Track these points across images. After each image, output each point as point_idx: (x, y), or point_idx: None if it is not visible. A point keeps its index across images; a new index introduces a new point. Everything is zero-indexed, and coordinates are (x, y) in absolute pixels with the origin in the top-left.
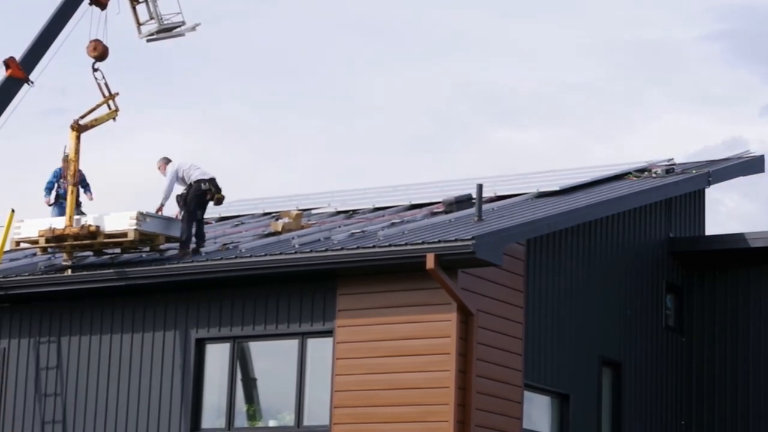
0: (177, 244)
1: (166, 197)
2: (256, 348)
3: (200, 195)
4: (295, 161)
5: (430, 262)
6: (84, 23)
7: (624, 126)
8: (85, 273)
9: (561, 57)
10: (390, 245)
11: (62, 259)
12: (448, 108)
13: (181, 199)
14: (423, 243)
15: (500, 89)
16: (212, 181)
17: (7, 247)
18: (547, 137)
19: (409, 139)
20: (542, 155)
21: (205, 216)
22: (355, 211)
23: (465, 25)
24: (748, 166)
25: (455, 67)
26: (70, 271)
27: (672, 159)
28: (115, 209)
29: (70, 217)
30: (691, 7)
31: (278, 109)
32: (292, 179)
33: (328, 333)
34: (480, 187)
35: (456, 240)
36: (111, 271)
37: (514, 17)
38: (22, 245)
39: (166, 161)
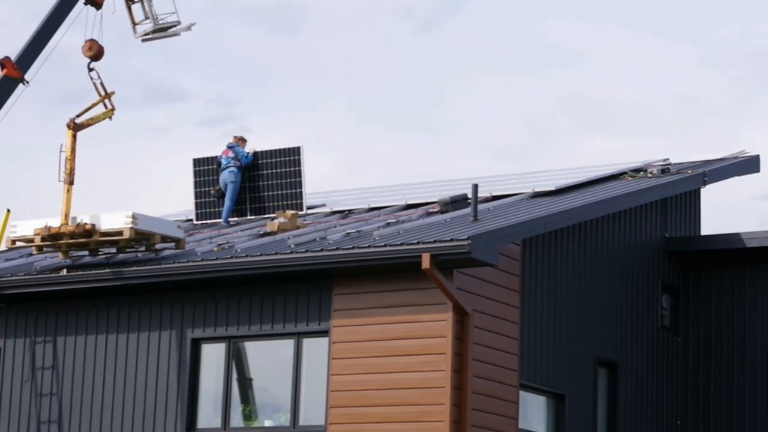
0: (172, 244)
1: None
2: (251, 348)
3: None
4: (378, 170)
5: (425, 262)
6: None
7: (722, 138)
8: (80, 273)
9: (667, 68)
10: (385, 245)
11: (58, 257)
12: (546, 119)
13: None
14: (418, 243)
15: (603, 100)
16: None
17: (2, 247)
18: (637, 146)
19: (497, 148)
20: (622, 163)
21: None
22: (350, 211)
23: (573, 37)
24: (744, 165)
25: (558, 79)
26: (65, 271)
27: (667, 159)
28: None
29: (66, 216)
30: None
31: (371, 116)
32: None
33: (324, 333)
34: (475, 187)
35: (452, 240)
36: (107, 270)
37: (621, 28)
38: (18, 244)
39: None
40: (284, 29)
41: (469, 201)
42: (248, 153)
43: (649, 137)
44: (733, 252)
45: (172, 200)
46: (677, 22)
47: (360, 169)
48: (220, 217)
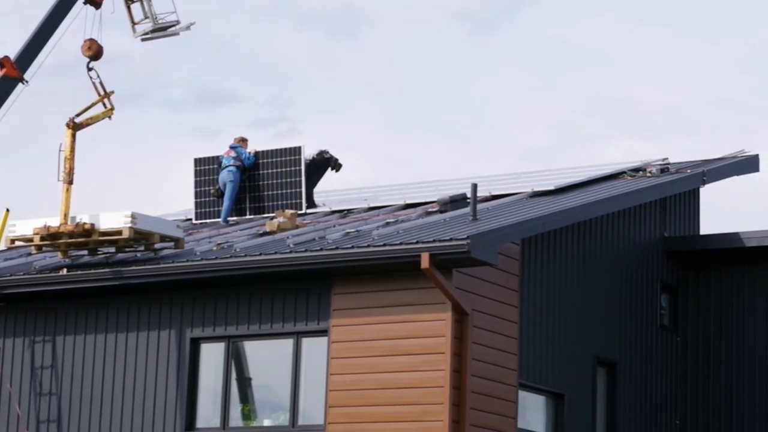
0: (172, 243)
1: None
2: (250, 347)
3: None
4: (406, 171)
5: (424, 261)
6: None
7: (757, 141)
8: (80, 272)
9: (703, 71)
10: (385, 245)
11: (57, 257)
12: (577, 121)
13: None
14: (418, 242)
15: (637, 103)
16: None
17: (2, 246)
18: (670, 150)
19: (524, 150)
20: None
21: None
22: (349, 211)
23: (607, 38)
24: (743, 165)
25: (591, 82)
26: (65, 270)
27: (666, 158)
28: None
29: (65, 215)
30: None
31: (402, 116)
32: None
33: (323, 332)
34: (475, 186)
35: (451, 239)
36: (106, 270)
37: (656, 31)
38: (17, 244)
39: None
40: (343, 32)
41: (468, 200)
42: (250, 153)
43: (683, 140)
44: (732, 251)
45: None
46: (714, 23)
47: (391, 170)
48: (219, 217)
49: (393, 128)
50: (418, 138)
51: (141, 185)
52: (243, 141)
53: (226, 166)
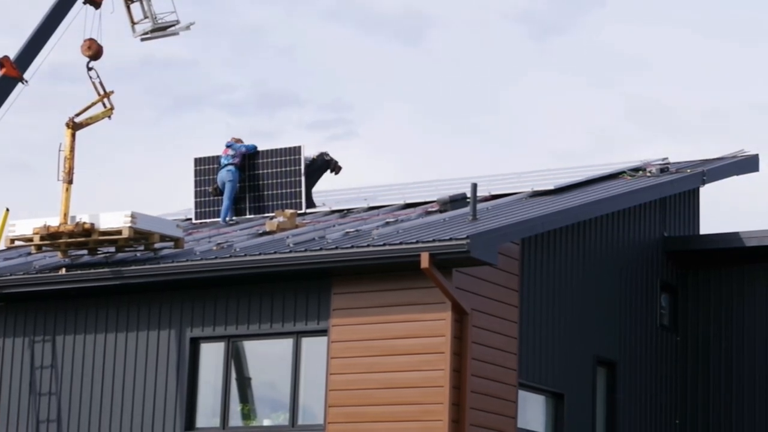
0: (171, 243)
1: None
2: (250, 347)
3: None
4: (438, 174)
5: (424, 261)
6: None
7: None
8: (79, 272)
9: (743, 75)
10: (384, 244)
11: (57, 256)
12: (614, 125)
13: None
14: (417, 242)
15: (674, 107)
16: None
17: (1, 246)
18: (705, 152)
19: (556, 153)
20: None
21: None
22: (349, 210)
23: (644, 43)
24: (743, 165)
25: (628, 86)
26: (64, 270)
27: (666, 158)
28: None
29: (65, 215)
30: None
31: (441, 118)
32: None
33: (323, 332)
34: (474, 186)
35: (450, 239)
36: (106, 270)
37: (692, 35)
38: (17, 243)
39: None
40: (406, 37)
41: (468, 200)
42: (248, 145)
43: (720, 144)
44: (732, 251)
45: None
46: (753, 27)
47: (426, 170)
48: (218, 217)
49: (430, 129)
50: (454, 140)
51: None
52: (239, 141)
53: (225, 165)
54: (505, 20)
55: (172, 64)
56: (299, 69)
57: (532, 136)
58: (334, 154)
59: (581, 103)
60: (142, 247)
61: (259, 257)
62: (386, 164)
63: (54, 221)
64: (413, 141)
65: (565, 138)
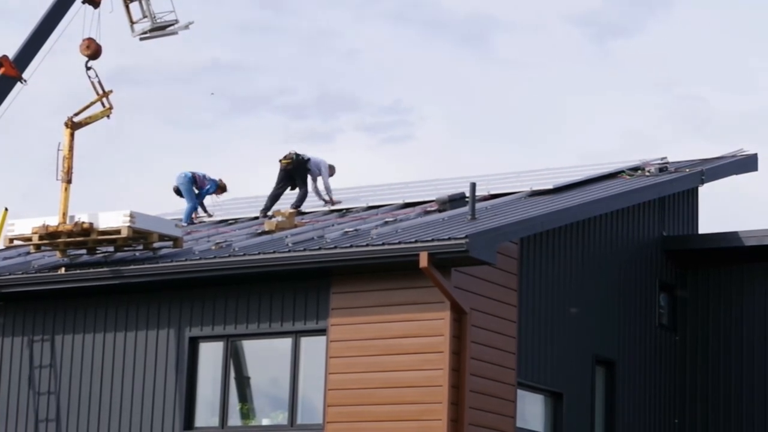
0: (170, 242)
1: None
2: (249, 346)
3: None
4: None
5: (423, 260)
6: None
7: None
8: (78, 271)
9: None
10: (383, 244)
11: (55, 256)
12: (649, 127)
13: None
14: (416, 242)
15: (711, 109)
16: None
17: (0, 245)
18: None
19: (585, 154)
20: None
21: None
22: (348, 210)
23: (685, 45)
24: (742, 164)
25: (666, 87)
26: (63, 269)
27: (665, 157)
28: None
29: (64, 215)
30: None
31: (494, 125)
32: None
33: (322, 331)
34: (473, 185)
35: (449, 239)
36: (105, 269)
37: (728, 36)
38: (16, 243)
39: None
40: (470, 40)
41: (466, 199)
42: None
43: (754, 146)
44: (731, 250)
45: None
46: None
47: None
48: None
49: (486, 133)
50: (512, 146)
51: (249, 190)
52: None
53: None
54: (566, 23)
55: (236, 68)
56: (361, 72)
57: (555, 137)
58: (390, 156)
59: (605, 103)
60: (141, 247)
61: (258, 257)
62: (440, 167)
63: (53, 221)
64: (468, 145)
65: (596, 138)
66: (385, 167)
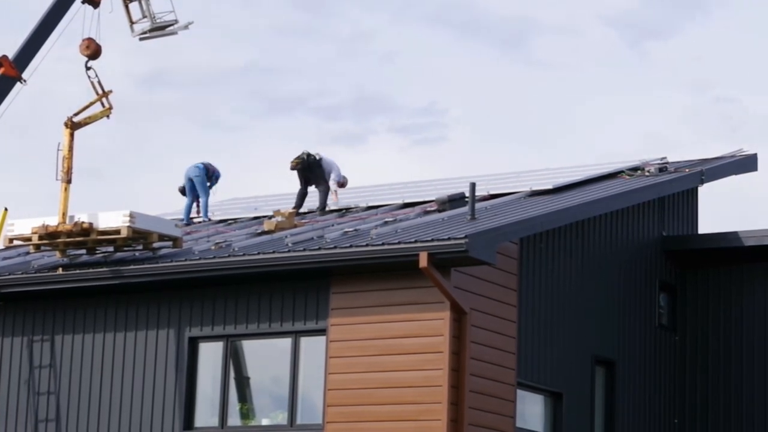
0: (170, 242)
1: None
2: (249, 346)
3: None
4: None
5: (423, 260)
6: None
7: None
8: (78, 271)
9: None
10: (383, 244)
11: (55, 256)
12: (670, 128)
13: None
14: (416, 242)
15: (747, 112)
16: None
17: (0, 245)
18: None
19: (601, 155)
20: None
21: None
22: (348, 210)
23: (711, 48)
24: (741, 164)
25: (687, 90)
26: (63, 269)
27: (665, 157)
28: None
29: (63, 215)
30: None
31: (503, 126)
32: None
33: (321, 331)
34: (473, 185)
35: (449, 239)
36: (104, 269)
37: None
38: (15, 243)
39: None
40: (507, 42)
41: (466, 199)
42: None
43: None
44: (730, 250)
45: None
46: None
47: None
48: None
49: (497, 135)
50: (545, 150)
51: (269, 189)
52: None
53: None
54: (605, 24)
55: (273, 70)
56: (398, 74)
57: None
58: (420, 158)
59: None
60: (140, 247)
61: (257, 257)
62: (468, 168)
63: (52, 221)
64: (497, 146)
65: (615, 140)
66: (413, 169)
